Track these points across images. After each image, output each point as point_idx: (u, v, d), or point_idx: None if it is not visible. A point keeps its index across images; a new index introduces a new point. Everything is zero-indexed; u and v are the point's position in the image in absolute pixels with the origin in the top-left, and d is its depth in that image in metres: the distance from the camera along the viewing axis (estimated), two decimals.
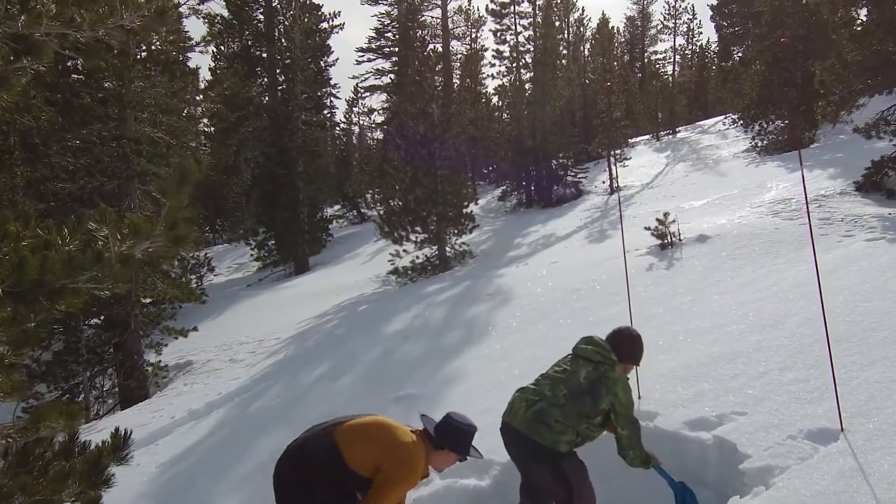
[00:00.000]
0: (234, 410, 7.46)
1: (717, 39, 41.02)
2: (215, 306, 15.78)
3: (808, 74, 17.67)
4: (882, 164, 10.73)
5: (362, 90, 33.63)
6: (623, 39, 42.40)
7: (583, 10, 56.66)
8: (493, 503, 4.14)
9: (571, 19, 33.38)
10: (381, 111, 33.67)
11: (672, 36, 41.79)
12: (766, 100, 20.17)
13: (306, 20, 23.95)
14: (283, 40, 22.80)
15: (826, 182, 11.56)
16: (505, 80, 25.40)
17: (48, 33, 2.31)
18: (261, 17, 23.48)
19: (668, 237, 9.46)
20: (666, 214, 9.58)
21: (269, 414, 6.87)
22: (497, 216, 21.79)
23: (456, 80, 31.56)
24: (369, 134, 39.91)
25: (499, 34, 24.96)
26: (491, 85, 43.35)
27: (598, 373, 3.48)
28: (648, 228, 9.68)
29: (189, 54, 12.83)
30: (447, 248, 15.06)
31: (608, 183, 20.93)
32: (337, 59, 36.24)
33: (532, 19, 23.61)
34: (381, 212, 15.82)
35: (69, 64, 10.99)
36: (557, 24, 28.59)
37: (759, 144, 20.31)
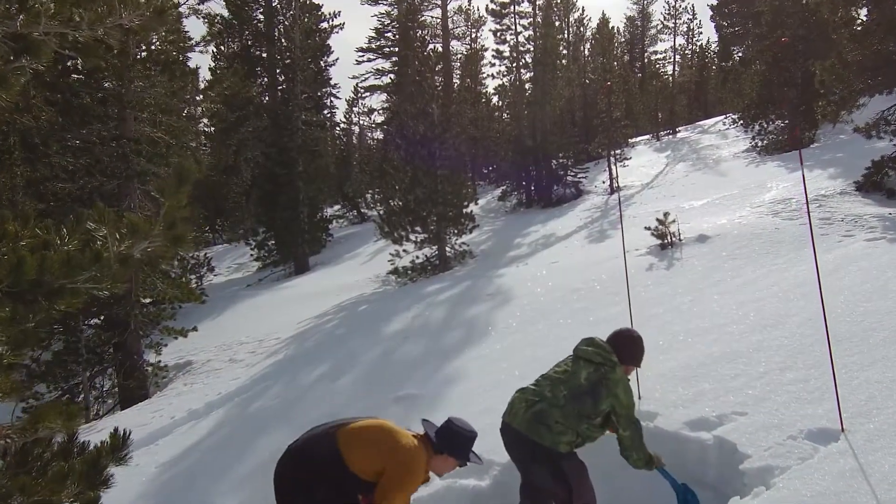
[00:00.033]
0: (234, 410, 7.46)
1: (717, 39, 41.03)
2: (215, 306, 15.78)
3: (808, 74, 17.66)
4: (882, 164, 10.73)
5: (362, 90, 33.67)
6: (623, 39, 42.37)
7: (583, 10, 56.85)
8: (493, 503, 4.14)
9: (571, 19, 33.46)
10: (381, 111, 33.70)
11: (672, 36, 41.83)
12: (766, 100, 20.16)
13: (306, 20, 23.94)
14: (283, 40, 22.78)
15: (826, 182, 11.55)
16: (505, 80, 25.41)
17: (47, 32, 2.31)
18: (261, 16, 23.46)
19: (668, 237, 9.46)
20: (666, 214, 9.57)
21: (269, 414, 6.87)
22: (497, 216, 21.78)
23: (456, 80, 31.54)
24: (369, 134, 39.99)
25: (499, 34, 24.96)
26: (491, 85, 43.33)
27: (599, 374, 3.48)
28: (648, 228, 9.67)
29: (189, 54, 12.81)
30: (447, 248, 15.05)
31: (608, 183, 20.92)
32: (337, 59, 36.31)
33: (532, 19, 23.60)
34: (381, 212, 15.81)
35: (69, 64, 10.99)
36: (557, 24, 28.60)
37: (760, 144, 20.29)
